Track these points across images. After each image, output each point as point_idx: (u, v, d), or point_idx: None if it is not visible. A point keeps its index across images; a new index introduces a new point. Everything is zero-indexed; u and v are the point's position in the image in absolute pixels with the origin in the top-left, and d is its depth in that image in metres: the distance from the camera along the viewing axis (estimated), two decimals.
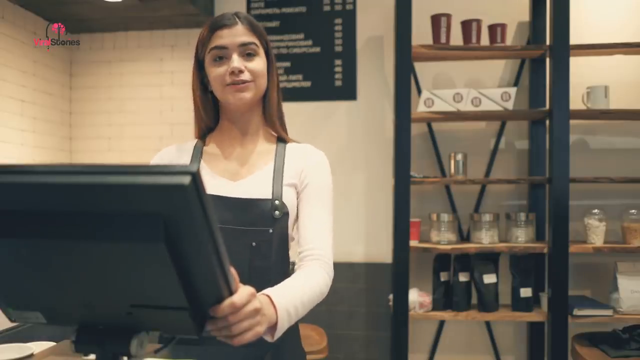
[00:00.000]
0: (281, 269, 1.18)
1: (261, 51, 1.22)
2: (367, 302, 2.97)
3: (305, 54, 3.06)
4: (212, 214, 0.62)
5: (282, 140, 1.28)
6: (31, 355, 1.34)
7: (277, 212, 1.16)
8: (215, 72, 1.19)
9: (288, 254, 1.22)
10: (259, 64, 1.21)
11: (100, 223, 0.62)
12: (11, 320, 0.75)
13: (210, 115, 1.29)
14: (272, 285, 0.99)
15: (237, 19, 1.20)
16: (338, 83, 3.03)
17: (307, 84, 3.05)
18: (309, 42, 3.06)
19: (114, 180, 0.59)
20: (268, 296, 0.94)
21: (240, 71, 1.17)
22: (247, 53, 1.19)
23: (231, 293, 0.76)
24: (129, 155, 4.19)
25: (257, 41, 1.21)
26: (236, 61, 1.17)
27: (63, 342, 1.46)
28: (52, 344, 1.45)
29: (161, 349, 0.81)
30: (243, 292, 0.79)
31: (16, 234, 0.64)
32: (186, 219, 0.60)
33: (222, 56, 1.19)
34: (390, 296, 2.65)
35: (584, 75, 2.75)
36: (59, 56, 4.09)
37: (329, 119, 3.03)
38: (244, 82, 1.18)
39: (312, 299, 1.07)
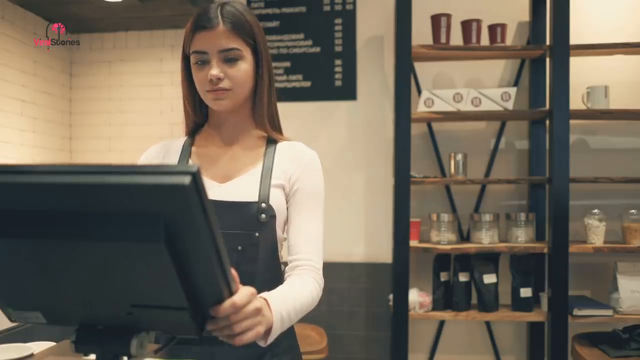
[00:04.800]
0: (270, 273, 1.15)
1: (246, 53, 1.15)
2: (367, 302, 2.97)
3: (305, 54, 3.06)
4: (212, 214, 0.62)
5: (272, 140, 1.23)
6: (31, 355, 1.34)
7: (263, 216, 1.12)
8: (197, 77, 1.15)
9: (277, 257, 1.18)
10: (241, 69, 1.14)
11: (100, 223, 0.62)
12: (11, 320, 0.75)
13: (198, 112, 1.25)
14: (259, 290, 0.98)
15: (219, 19, 1.12)
16: (338, 83, 3.03)
17: (307, 84, 3.05)
18: (309, 42, 3.06)
19: (114, 180, 0.59)
20: (265, 299, 0.94)
21: (219, 79, 1.12)
22: (229, 59, 1.13)
23: (231, 293, 0.76)
24: (129, 155, 4.20)
25: (240, 44, 1.13)
26: (215, 69, 1.12)
27: (63, 342, 1.46)
28: (52, 344, 1.45)
29: (161, 349, 0.81)
30: (244, 292, 0.79)
31: (16, 234, 0.64)
32: (186, 219, 0.60)
33: (203, 60, 1.14)
34: (390, 296, 2.65)
35: (584, 75, 2.75)
36: (59, 56, 4.09)
37: (329, 119, 3.03)
38: (222, 89, 1.13)
39: (303, 307, 1.05)
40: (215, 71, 1.12)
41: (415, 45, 2.60)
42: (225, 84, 1.13)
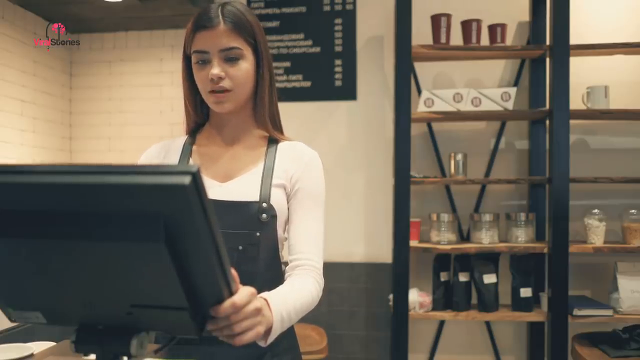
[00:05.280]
0: (270, 273, 1.15)
1: (247, 52, 1.15)
2: (367, 302, 2.97)
3: (305, 54, 3.06)
4: (212, 214, 0.62)
5: (274, 139, 1.23)
6: (31, 355, 1.34)
7: (264, 215, 1.12)
8: (198, 77, 1.15)
9: (278, 257, 1.18)
10: (242, 69, 1.14)
11: (100, 223, 0.62)
12: (11, 320, 0.75)
13: (199, 112, 1.25)
14: (260, 289, 0.98)
15: (220, 18, 1.12)
16: (338, 83, 3.03)
17: (307, 84, 3.05)
18: (309, 42, 3.06)
19: (114, 180, 0.59)
20: (265, 299, 0.94)
21: (220, 78, 1.13)
22: (230, 58, 1.13)
23: (231, 293, 0.76)
24: (129, 155, 4.20)
25: (241, 44, 1.14)
26: (216, 68, 1.12)
27: (63, 342, 1.46)
28: (52, 344, 1.46)
29: (161, 349, 0.81)
30: (244, 292, 0.79)
31: (16, 234, 0.64)
32: (186, 219, 0.60)
33: (204, 60, 1.14)
34: (390, 296, 2.65)
35: (584, 75, 2.75)
36: (59, 56, 4.09)
37: (329, 119, 3.03)
38: (223, 90, 1.13)
39: (303, 307, 1.05)
40: (216, 70, 1.12)
41: (415, 45, 2.60)
42: (226, 83, 1.13)
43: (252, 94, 1.20)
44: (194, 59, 1.16)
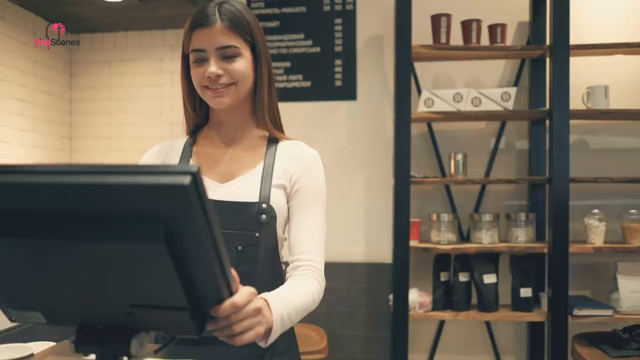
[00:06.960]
0: (270, 273, 1.15)
1: (244, 51, 1.15)
2: (367, 302, 2.97)
3: (305, 54, 3.06)
4: (212, 214, 0.62)
5: (274, 139, 1.23)
6: (31, 355, 1.34)
7: (263, 216, 1.12)
8: (195, 74, 1.15)
9: (278, 257, 1.18)
10: (241, 65, 1.14)
11: (100, 223, 0.62)
12: (11, 320, 0.75)
13: (199, 112, 1.25)
14: (259, 290, 0.98)
15: (217, 17, 1.12)
16: (338, 83, 3.03)
17: (307, 84, 3.05)
18: (309, 42, 3.06)
19: (114, 180, 0.59)
20: (265, 299, 0.93)
21: (218, 75, 1.12)
22: (227, 56, 1.13)
23: (231, 293, 0.76)
24: (129, 155, 4.20)
25: (238, 42, 1.13)
26: (213, 66, 1.12)
27: (63, 342, 1.46)
28: (52, 344, 1.45)
29: (161, 349, 0.81)
30: (244, 292, 0.79)
31: (16, 234, 0.64)
32: (186, 219, 0.60)
33: (201, 58, 1.14)
34: (390, 296, 2.65)
35: (584, 75, 2.75)
36: (59, 56, 4.09)
37: (329, 119, 3.03)
38: (222, 85, 1.13)
39: (304, 307, 1.05)
40: (213, 68, 1.12)
41: (415, 45, 2.60)
42: (224, 80, 1.13)
43: (251, 92, 1.20)
44: (191, 57, 1.15)
